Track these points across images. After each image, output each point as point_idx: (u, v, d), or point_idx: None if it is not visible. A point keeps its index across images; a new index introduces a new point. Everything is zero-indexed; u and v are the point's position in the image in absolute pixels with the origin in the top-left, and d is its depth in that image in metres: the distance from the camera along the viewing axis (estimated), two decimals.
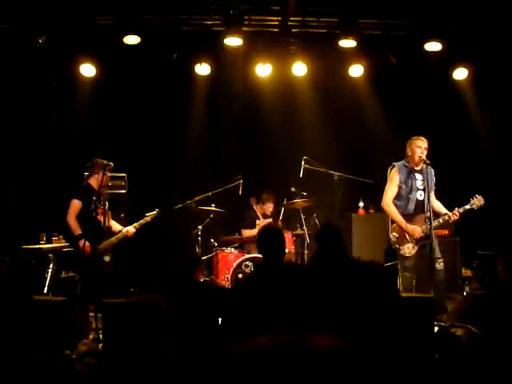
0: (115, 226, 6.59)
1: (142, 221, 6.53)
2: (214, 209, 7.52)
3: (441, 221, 6.01)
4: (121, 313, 4.78)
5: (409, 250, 6.01)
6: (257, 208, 8.12)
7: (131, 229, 6.47)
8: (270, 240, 3.86)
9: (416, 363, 2.86)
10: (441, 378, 2.87)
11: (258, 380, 0.88)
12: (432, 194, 6.19)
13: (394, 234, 6.10)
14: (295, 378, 0.86)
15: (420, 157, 5.99)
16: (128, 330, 4.49)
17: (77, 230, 6.18)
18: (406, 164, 6.15)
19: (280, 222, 7.90)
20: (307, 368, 0.87)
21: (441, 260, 5.90)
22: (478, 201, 5.95)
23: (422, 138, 6.10)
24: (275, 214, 8.08)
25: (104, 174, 6.14)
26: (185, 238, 7.90)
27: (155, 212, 6.57)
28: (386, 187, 6.22)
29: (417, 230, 5.96)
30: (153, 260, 7.55)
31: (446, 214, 6.02)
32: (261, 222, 7.92)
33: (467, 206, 5.95)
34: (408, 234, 6.00)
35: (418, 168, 6.13)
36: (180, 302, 2.98)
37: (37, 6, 6.77)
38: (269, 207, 8.02)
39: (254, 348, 0.95)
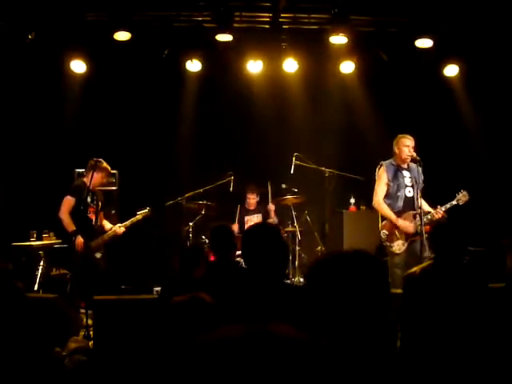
0: (107, 225, 6.57)
1: (132, 219, 6.50)
2: (204, 203, 7.51)
3: (425, 220, 5.93)
4: (112, 310, 4.80)
5: (399, 246, 6.03)
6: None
7: (122, 228, 6.46)
8: (219, 238, 3.94)
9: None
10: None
11: (221, 368, 0.93)
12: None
13: (384, 231, 6.13)
14: (258, 365, 0.91)
15: (408, 155, 6.04)
16: (119, 327, 4.49)
17: (70, 225, 6.16)
18: (393, 162, 6.21)
19: (275, 219, 7.89)
20: (269, 355, 0.91)
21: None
22: (463, 196, 6.01)
23: (409, 137, 6.14)
24: (265, 210, 8.08)
25: (94, 173, 6.11)
26: (176, 235, 7.88)
27: (147, 210, 6.53)
28: (376, 186, 6.26)
29: (409, 226, 5.99)
30: (144, 257, 7.53)
31: (429, 213, 6.05)
32: (249, 219, 7.94)
33: (454, 202, 6.00)
34: (399, 230, 6.02)
35: (404, 166, 6.19)
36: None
37: (27, 1, 6.73)
38: (250, 198, 8.06)
39: (217, 337, 0.98)
